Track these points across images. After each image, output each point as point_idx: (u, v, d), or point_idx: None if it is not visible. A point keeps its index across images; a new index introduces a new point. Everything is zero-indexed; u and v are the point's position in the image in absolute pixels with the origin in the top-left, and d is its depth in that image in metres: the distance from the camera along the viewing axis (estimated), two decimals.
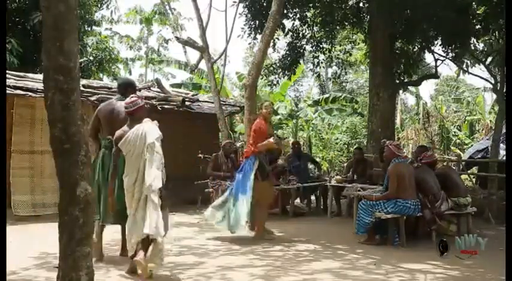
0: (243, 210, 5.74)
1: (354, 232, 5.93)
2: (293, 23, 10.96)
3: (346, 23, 10.98)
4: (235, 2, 10.01)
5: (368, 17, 10.50)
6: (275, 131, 6.42)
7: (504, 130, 8.50)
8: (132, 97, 4.33)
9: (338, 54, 12.40)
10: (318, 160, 14.01)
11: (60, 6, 2.51)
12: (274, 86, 12.30)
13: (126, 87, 4.87)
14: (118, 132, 4.21)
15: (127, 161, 4.15)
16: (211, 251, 5.22)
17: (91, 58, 14.88)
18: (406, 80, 10.63)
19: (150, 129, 4.09)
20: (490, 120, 16.77)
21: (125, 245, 4.47)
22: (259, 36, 9.72)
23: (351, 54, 12.97)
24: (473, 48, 10.43)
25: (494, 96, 13.54)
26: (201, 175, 8.30)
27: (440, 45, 10.05)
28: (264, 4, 9.92)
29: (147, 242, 3.96)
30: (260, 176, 5.86)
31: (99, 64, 15.04)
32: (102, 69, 15.68)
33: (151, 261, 4.02)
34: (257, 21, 10.17)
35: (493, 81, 9.71)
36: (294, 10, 10.50)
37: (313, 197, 8.84)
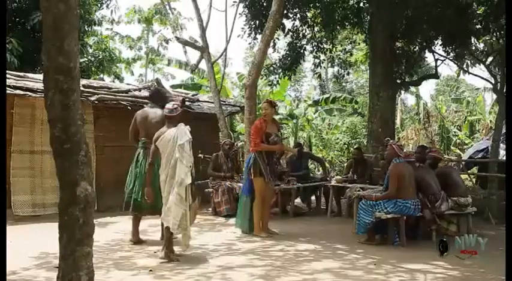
0: (240, 208, 6.31)
1: (354, 232, 5.94)
2: (293, 23, 10.96)
3: (347, 23, 10.97)
4: (235, 2, 10.01)
5: (368, 17, 10.50)
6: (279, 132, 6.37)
7: (504, 130, 8.49)
8: (174, 104, 5.01)
9: (339, 55, 12.39)
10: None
11: (60, 6, 2.49)
12: (274, 86, 12.27)
13: (155, 96, 5.92)
14: (157, 133, 4.88)
15: (162, 158, 4.79)
16: (211, 251, 5.23)
17: (92, 58, 14.87)
18: (406, 80, 10.62)
19: (182, 133, 4.73)
20: (490, 121, 16.76)
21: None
22: (259, 36, 9.72)
23: (351, 55, 12.95)
24: (473, 48, 10.43)
25: (494, 96, 13.53)
26: (201, 174, 8.30)
27: (440, 45, 10.06)
28: (264, 4, 9.92)
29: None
30: (252, 172, 6.02)
31: (100, 64, 15.03)
32: (103, 70, 15.67)
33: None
34: (257, 21, 10.17)
35: (493, 81, 9.70)
36: (294, 10, 10.50)
37: (313, 197, 8.83)
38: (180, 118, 4.93)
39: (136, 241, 5.55)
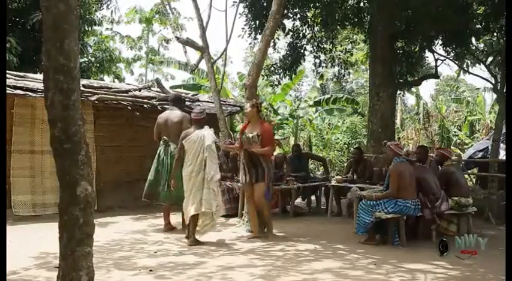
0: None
1: (354, 232, 5.94)
2: (293, 23, 10.95)
3: (347, 23, 10.96)
4: (235, 2, 10.00)
5: (368, 17, 10.50)
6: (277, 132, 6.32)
7: (504, 130, 8.49)
8: (201, 109, 5.92)
9: (339, 55, 12.37)
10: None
11: (60, 6, 2.49)
12: (276, 87, 12.21)
13: (175, 100, 6.78)
14: (185, 132, 5.58)
15: (187, 155, 5.42)
16: (211, 251, 5.22)
17: (92, 59, 14.87)
18: (406, 80, 10.61)
19: (208, 135, 5.39)
20: (490, 121, 16.75)
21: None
22: (259, 37, 9.71)
23: (351, 54, 12.93)
24: (473, 48, 10.43)
25: (494, 96, 13.54)
26: None
27: (440, 45, 10.05)
28: (264, 4, 9.91)
29: (196, 217, 5.42)
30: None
31: (100, 64, 15.03)
32: (103, 70, 15.67)
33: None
34: (257, 22, 10.15)
35: (493, 81, 9.70)
36: (294, 10, 10.48)
37: (313, 197, 8.83)
38: (205, 122, 5.59)
39: (168, 229, 6.26)
